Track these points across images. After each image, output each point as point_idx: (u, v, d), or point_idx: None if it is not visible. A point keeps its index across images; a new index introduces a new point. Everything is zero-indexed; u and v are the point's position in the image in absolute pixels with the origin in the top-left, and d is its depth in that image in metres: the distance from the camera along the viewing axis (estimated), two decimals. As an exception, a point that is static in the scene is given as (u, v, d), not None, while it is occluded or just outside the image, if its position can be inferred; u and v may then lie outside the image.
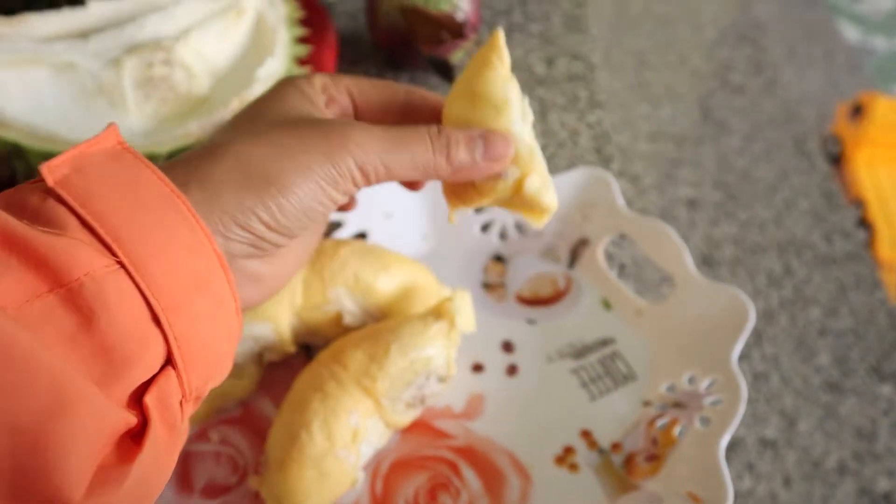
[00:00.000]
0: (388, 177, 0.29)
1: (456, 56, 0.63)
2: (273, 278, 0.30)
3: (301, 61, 0.56)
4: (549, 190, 0.31)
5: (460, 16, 0.61)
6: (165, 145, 0.46)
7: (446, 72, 0.63)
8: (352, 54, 0.69)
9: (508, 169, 0.30)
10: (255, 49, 0.55)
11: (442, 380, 0.38)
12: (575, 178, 0.50)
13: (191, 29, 0.51)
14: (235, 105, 0.48)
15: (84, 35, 0.49)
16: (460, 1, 0.61)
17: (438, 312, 0.37)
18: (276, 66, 0.52)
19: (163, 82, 0.50)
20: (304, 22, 0.59)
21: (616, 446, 0.42)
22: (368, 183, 0.29)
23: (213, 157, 0.27)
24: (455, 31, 0.61)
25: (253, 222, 0.26)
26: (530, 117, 0.32)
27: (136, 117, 0.49)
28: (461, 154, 0.29)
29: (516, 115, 0.30)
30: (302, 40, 0.57)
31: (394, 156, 0.29)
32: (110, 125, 0.25)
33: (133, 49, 0.48)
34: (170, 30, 0.51)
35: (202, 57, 0.52)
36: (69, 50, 0.47)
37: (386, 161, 0.29)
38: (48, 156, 0.42)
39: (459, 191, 0.32)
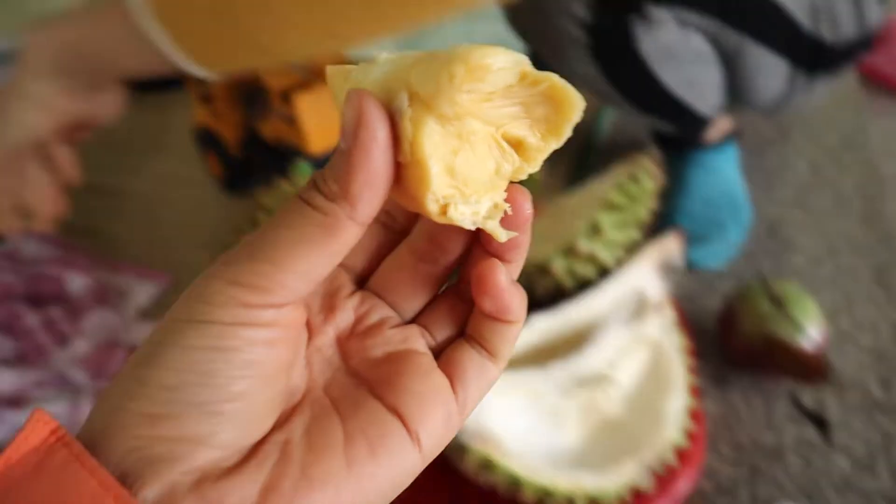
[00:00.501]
0: None
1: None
2: None
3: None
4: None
5: (823, 356, 0.69)
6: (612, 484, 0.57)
7: (819, 423, 0.69)
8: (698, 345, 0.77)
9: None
10: (656, 376, 0.66)
11: None
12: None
13: (618, 359, 0.64)
14: (656, 441, 0.60)
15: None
16: (818, 336, 0.68)
17: None
18: (679, 402, 0.63)
19: (595, 408, 0.62)
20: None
21: None
22: None
23: None
24: (820, 372, 0.69)
25: None
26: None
27: (571, 437, 0.62)
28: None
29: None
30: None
31: None
32: (34, 410, 0.20)
33: (583, 382, 0.62)
34: (603, 360, 0.64)
35: (620, 384, 0.65)
36: (537, 380, 0.61)
37: None
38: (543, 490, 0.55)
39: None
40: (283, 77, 0.98)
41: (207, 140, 1.11)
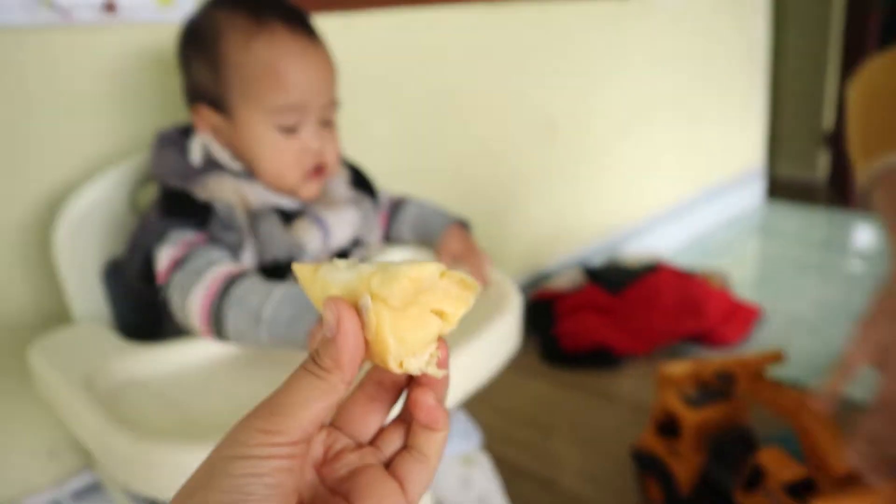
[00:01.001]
0: None
1: None
2: None
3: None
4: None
5: None
6: None
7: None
8: None
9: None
10: None
11: None
12: None
13: None
14: None
15: None
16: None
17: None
18: None
19: None
20: None
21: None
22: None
23: None
24: None
25: None
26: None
27: None
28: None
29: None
30: None
31: None
32: None
33: None
34: None
35: None
36: None
37: None
38: None
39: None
40: (787, 467, 0.91)
41: (648, 464, 1.08)
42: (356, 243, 0.87)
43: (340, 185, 0.89)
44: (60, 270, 0.82)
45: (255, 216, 0.78)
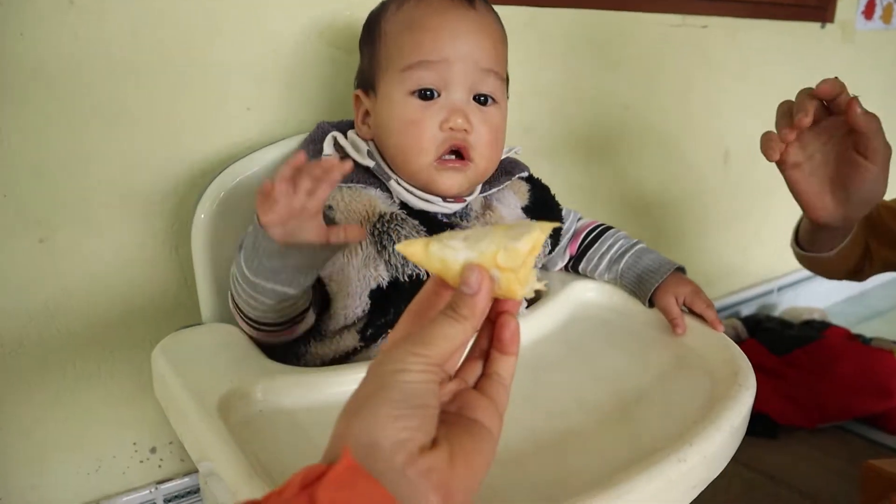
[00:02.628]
0: None
1: None
2: None
3: None
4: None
5: None
6: None
7: None
8: None
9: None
10: None
11: None
12: None
13: None
14: None
15: None
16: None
17: None
18: None
19: None
20: None
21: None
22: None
23: None
24: None
25: None
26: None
27: None
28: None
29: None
30: None
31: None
32: (346, 452, 0.33)
33: None
34: None
35: None
36: None
37: None
38: None
39: None
40: None
41: None
42: None
43: (511, 202, 0.74)
44: (195, 258, 0.71)
45: (386, 223, 0.65)
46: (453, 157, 0.67)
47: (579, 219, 0.83)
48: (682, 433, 0.52)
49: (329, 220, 0.64)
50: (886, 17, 1.80)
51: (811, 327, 1.53)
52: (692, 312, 0.71)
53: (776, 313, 1.72)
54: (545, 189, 0.79)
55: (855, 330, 1.52)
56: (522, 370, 0.65)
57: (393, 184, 0.68)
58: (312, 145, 0.71)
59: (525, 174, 0.78)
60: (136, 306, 0.84)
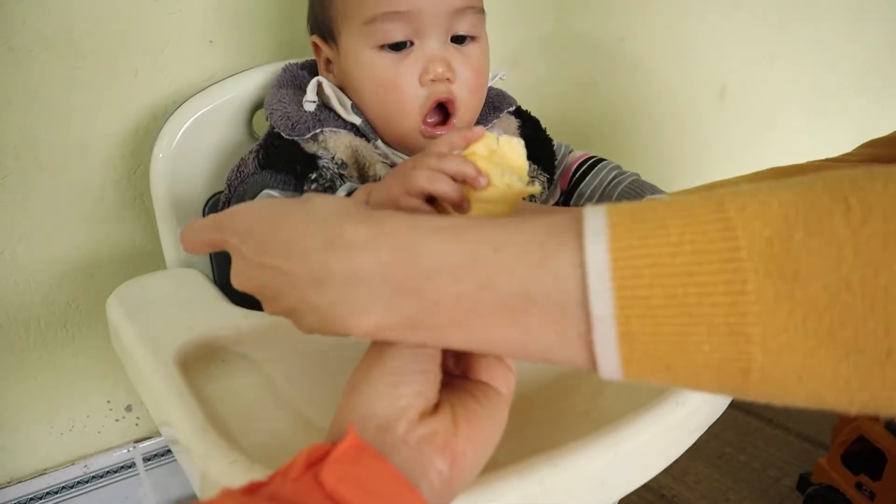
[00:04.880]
0: None
1: None
2: None
3: None
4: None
5: None
6: None
7: None
8: None
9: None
10: None
11: None
12: None
13: None
14: None
15: None
16: None
17: None
18: None
19: None
20: None
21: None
22: None
23: None
24: None
25: None
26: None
27: None
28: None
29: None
30: None
31: None
32: (350, 430, 0.31)
33: None
34: None
35: None
36: None
37: None
38: None
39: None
40: None
41: (825, 501, 0.87)
42: None
43: None
44: (155, 200, 0.66)
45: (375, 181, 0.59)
46: (438, 118, 0.60)
47: (570, 151, 0.77)
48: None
49: (307, 156, 0.58)
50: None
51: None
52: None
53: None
54: (536, 123, 0.73)
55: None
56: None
57: (380, 143, 0.62)
58: (284, 90, 0.64)
59: (513, 108, 0.72)
60: (100, 256, 0.79)
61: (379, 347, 0.34)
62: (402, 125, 0.59)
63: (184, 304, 0.55)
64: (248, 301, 0.58)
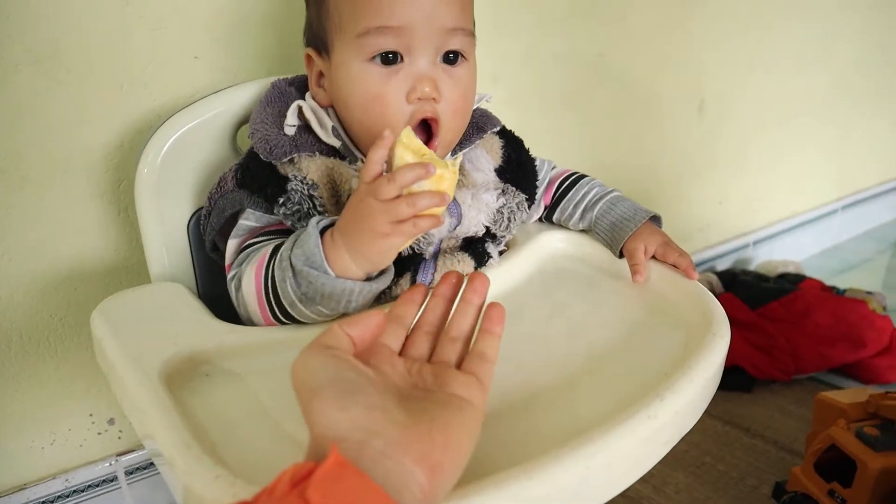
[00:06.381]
0: None
1: None
2: None
3: None
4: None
5: None
6: None
7: None
8: None
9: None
10: None
11: None
12: None
13: None
14: None
15: None
16: None
17: None
18: None
19: None
20: None
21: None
22: None
23: None
24: None
25: None
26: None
27: None
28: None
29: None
30: None
31: None
32: (333, 448, 0.32)
33: None
34: None
35: None
36: None
37: None
38: None
39: None
40: None
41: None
42: (492, 236, 0.67)
43: (484, 165, 0.68)
44: (139, 214, 0.67)
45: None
46: (421, 136, 0.61)
47: (553, 168, 0.79)
48: (654, 386, 0.50)
49: (301, 195, 0.58)
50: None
51: (786, 280, 1.52)
52: (665, 264, 0.68)
53: (752, 268, 1.71)
54: (519, 143, 0.74)
55: (829, 283, 1.52)
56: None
57: (360, 165, 0.62)
58: (269, 108, 0.64)
59: (497, 128, 0.73)
60: (84, 271, 0.80)
61: (299, 370, 0.37)
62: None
63: (168, 319, 0.55)
64: (232, 315, 0.59)
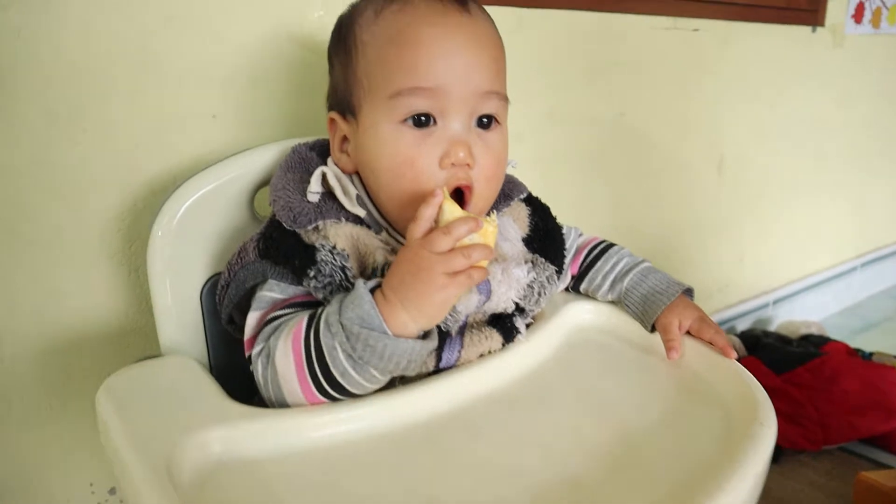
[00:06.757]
0: None
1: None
2: None
3: None
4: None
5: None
6: None
7: None
8: None
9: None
10: None
11: None
12: None
13: None
14: None
15: None
16: None
17: None
18: None
19: None
20: None
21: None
22: None
23: None
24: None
25: None
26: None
27: None
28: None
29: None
30: None
31: None
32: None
33: None
34: None
35: None
36: None
37: None
38: None
39: None
40: None
41: None
42: (520, 311, 0.63)
43: (511, 234, 0.65)
44: (151, 279, 0.64)
45: (384, 269, 0.57)
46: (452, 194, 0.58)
47: (580, 235, 0.76)
48: (700, 483, 0.46)
49: (306, 247, 0.56)
50: (875, 21, 1.76)
51: (810, 342, 1.48)
52: (700, 340, 0.65)
53: (772, 327, 1.67)
54: (546, 211, 0.71)
55: (852, 343, 1.48)
56: (514, 407, 0.58)
57: (385, 235, 0.60)
58: (291, 174, 0.62)
59: (524, 195, 0.70)
60: (90, 333, 0.77)
61: None
62: (413, 205, 0.56)
63: (177, 400, 0.52)
64: (245, 390, 0.56)
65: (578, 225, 0.79)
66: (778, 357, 1.34)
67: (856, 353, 1.43)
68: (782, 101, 1.57)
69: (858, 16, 1.72)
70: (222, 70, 0.78)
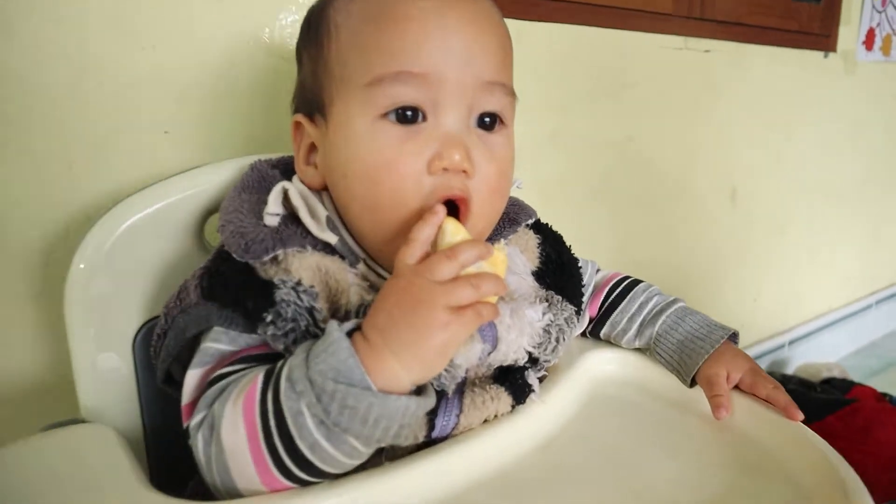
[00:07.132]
0: None
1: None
2: None
3: None
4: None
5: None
6: None
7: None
8: None
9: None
10: None
11: None
12: None
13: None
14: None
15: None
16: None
17: None
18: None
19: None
20: None
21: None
22: None
23: None
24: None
25: None
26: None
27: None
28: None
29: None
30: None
31: None
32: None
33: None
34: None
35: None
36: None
37: None
38: None
39: None
40: None
41: None
42: (533, 361, 0.50)
43: (519, 267, 0.53)
44: (68, 326, 0.51)
45: (361, 311, 0.45)
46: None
47: (597, 270, 0.64)
48: None
49: (297, 309, 0.43)
50: (886, 49, 1.69)
51: (833, 387, 1.36)
52: (754, 397, 0.52)
53: (789, 369, 1.55)
54: (559, 240, 0.59)
55: (869, 383, 1.37)
56: (530, 483, 0.45)
57: (363, 268, 0.48)
58: (246, 194, 0.50)
59: (532, 220, 0.58)
60: (6, 387, 0.64)
61: None
62: (392, 223, 0.45)
63: (78, 488, 0.39)
64: (191, 470, 0.43)
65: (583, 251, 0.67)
66: (805, 405, 1.21)
67: (883, 397, 1.31)
68: (795, 130, 1.48)
69: (869, 42, 1.64)
70: (178, 78, 0.66)
